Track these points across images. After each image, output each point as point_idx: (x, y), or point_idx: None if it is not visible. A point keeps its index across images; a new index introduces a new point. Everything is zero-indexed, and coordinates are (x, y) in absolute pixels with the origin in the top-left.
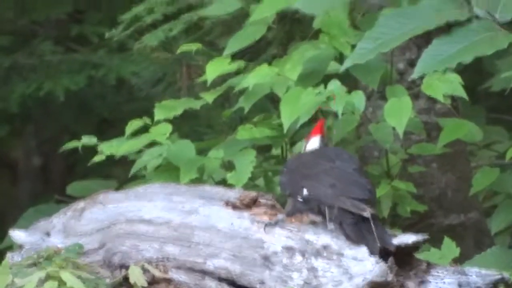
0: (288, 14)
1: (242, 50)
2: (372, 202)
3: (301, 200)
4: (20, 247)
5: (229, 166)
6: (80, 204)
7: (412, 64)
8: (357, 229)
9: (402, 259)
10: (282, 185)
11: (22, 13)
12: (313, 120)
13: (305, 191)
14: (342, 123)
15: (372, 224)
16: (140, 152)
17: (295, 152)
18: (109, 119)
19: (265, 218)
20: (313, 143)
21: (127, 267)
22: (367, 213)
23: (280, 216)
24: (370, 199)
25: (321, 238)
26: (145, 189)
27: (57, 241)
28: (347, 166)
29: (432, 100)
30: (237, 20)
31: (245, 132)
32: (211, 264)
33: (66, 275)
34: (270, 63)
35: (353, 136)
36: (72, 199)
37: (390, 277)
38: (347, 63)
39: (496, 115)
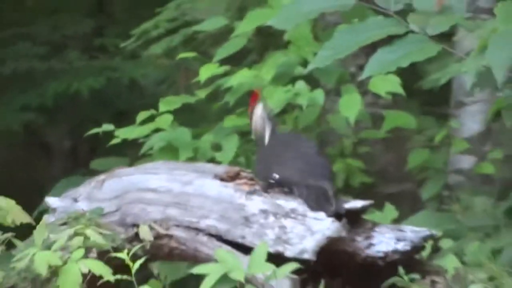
0: (264, 29)
1: (228, 57)
2: (330, 178)
3: (272, 182)
4: (54, 210)
5: (217, 147)
6: (101, 177)
7: (361, 68)
8: (318, 202)
9: (353, 220)
10: (257, 174)
11: (55, 29)
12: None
13: (276, 175)
14: (306, 114)
15: (330, 196)
16: (147, 136)
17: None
18: (123, 111)
19: (246, 188)
20: (258, 112)
21: (137, 226)
22: (329, 189)
23: (257, 187)
24: (329, 176)
25: (289, 203)
26: (152, 165)
27: (82, 205)
28: (308, 150)
29: (377, 96)
30: (223, 34)
31: (230, 121)
32: (203, 223)
33: (89, 232)
34: (250, 67)
35: (315, 124)
36: (95, 173)
37: (343, 233)
38: (310, 67)
39: (427, 108)
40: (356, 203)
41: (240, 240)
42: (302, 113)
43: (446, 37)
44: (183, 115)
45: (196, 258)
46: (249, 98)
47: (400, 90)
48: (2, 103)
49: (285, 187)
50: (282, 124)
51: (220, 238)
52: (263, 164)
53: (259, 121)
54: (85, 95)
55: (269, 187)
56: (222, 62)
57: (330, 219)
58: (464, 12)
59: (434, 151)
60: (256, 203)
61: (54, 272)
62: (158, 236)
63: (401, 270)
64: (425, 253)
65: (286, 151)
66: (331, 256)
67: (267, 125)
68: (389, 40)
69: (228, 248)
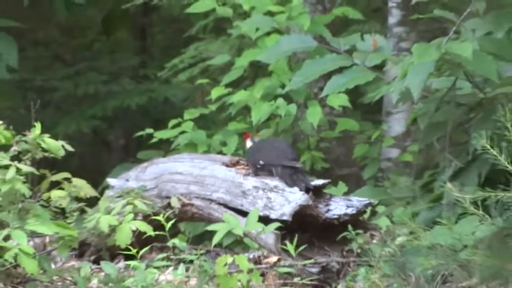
0: (255, 62)
1: (231, 82)
2: (298, 160)
3: (259, 167)
4: (112, 187)
5: (224, 144)
6: (144, 164)
7: (321, 89)
8: (291, 178)
9: (316, 193)
10: (248, 162)
11: (113, 63)
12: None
13: (261, 161)
14: (284, 120)
15: (301, 172)
16: (176, 136)
17: (260, 136)
18: (159, 119)
19: (243, 171)
20: (249, 142)
21: (169, 198)
22: (298, 165)
23: (251, 171)
24: (297, 159)
25: (273, 182)
26: (179, 156)
27: (132, 184)
28: (280, 145)
29: (332, 108)
30: (228, 66)
31: (232, 126)
32: (214, 196)
33: (137, 202)
34: (245, 89)
35: (290, 127)
36: (140, 161)
37: (310, 202)
38: (287, 88)
39: (366, 116)
40: (318, 181)
41: (239, 207)
42: (281, 120)
43: (379, 67)
44: (200, 122)
45: (210, 220)
46: (243, 135)
47: (348, 104)
48: (76, 114)
49: (267, 169)
50: (267, 127)
51: (226, 206)
52: (251, 156)
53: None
54: (134, 108)
55: (257, 170)
56: (227, 85)
57: (301, 192)
58: (391, 51)
59: (371, 145)
60: (250, 182)
61: (113, 229)
62: (183, 205)
63: (350, 227)
64: (366, 216)
65: (265, 147)
66: (302, 218)
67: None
68: (340, 70)
69: (232, 213)
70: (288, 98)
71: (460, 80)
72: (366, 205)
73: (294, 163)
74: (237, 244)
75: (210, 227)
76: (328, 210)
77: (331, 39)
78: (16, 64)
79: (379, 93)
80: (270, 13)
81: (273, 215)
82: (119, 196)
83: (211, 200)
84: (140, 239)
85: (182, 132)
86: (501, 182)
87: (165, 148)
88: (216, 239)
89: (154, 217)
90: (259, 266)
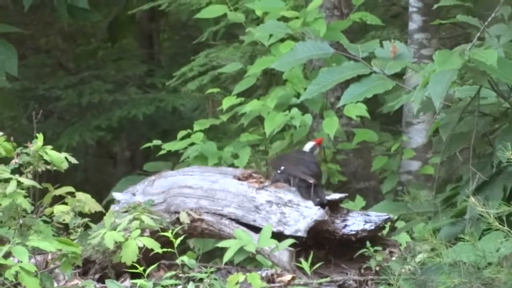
0: (268, 71)
1: (243, 91)
2: (317, 177)
3: (279, 172)
4: (118, 202)
5: (235, 156)
6: (152, 177)
7: (338, 98)
8: (307, 191)
9: (333, 207)
10: (271, 164)
11: (119, 71)
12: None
13: (282, 167)
14: (299, 131)
15: (312, 189)
16: (185, 148)
17: (274, 148)
18: (167, 130)
19: (256, 185)
20: (309, 144)
21: (178, 213)
22: (311, 181)
23: (266, 184)
24: (316, 175)
25: (287, 195)
26: (188, 168)
27: (139, 198)
28: (308, 159)
29: (349, 118)
30: (239, 75)
31: (244, 137)
32: (226, 210)
33: (144, 217)
34: (258, 99)
35: (305, 138)
36: (147, 173)
37: (326, 217)
38: (302, 98)
39: (385, 127)
40: (335, 195)
41: (252, 223)
42: (296, 131)
43: (399, 76)
44: (211, 133)
45: (221, 236)
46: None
47: (366, 114)
48: (80, 124)
49: (285, 177)
50: (281, 139)
51: (237, 221)
52: (276, 159)
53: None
54: (140, 119)
55: (275, 179)
56: (239, 95)
57: (317, 207)
58: (411, 58)
59: (390, 157)
60: (264, 196)
61: (119, 246)
62: (193, 220)
63: (368, 243)
64: (385, 231)
65: (293, 156)
66: (317, 234)
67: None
68: (358, 78)
69: (244, 228)
70: (303, 108)
71: (484, 89)
72: (385, 221)
73: (309, 178)
74: (249, 261)
75: (221, 244)
76: (345, 226)
77: (348, 46)
78: (16, 72)
79: (399, 103)
80: (284, 19)
81: (287, 231)
82: (125, 211)
83: (222, 215)
84: (147, 256)
85: (192, 144)
86: None
87: (174, 160)
88: (227, 256)
89: (162, 233)
90: (272, 284)
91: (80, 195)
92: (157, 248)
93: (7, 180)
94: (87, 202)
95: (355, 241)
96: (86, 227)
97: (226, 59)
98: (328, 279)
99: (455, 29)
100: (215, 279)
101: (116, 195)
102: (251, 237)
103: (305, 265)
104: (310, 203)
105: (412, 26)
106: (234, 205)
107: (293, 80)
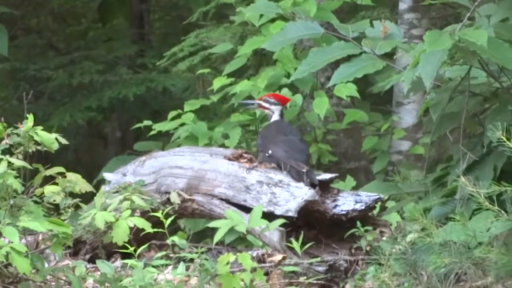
0: (259, 51)
1: (233, 71)
2: (307, 160)
3: (267, 155)
4: (109, 182)
5: (226, 136)
6: (143, 158)
7: (328, 78)
8: (298, 174)
9: (323, 188)
10: (258, 145)
11: (109, 52)
12: None
13: (270, 151)
14: (289, 111)
15: (305, 175)
16: (176, 129)
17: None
18: (158, 111)
19: (247, 165)
20: (278, 109)
21: (169, 193)
22: (304, 170)
23: (255, 164)
24: (307, 159)
25: (278, 176)
26: (179, 149)
27: (129, 179)
28: (294, 138)
29: (340, 98)
30: (230, 55)
31: (235, 117)
32: (216, 191)
33: (134, 197)
34: (248, 79)
35: (295, 119)
36: (137, 153)
37: (316, 197)
38: (292, 78)
39: (375, 107)
40: (325, 176)
41: (243, 203)
42: (286, 111)
43: (389, 56)
44: (201, 113)
45: (211, 216)
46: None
47: (356, 94)
48: (71, 105)
49: (274, 161)
50: None
51: (228, 201)
52: (263, 140)
53: (275, 110)
54: (131, 99)
55: (264, 159)
56: (229, 75)
57: (307, 187)
58: (402, 38)
59: (381, 137)
60: (254, 176)
61: (109, 226)
62: (184, 200)
63: (358, 223)
64: (375, 211)
65: (279, 135)
66: (308, 214)
67: (276, 116)
68: (348, 58)
69: (234, 208)
70: (293, 88)
71: (475, 69)
72: (376, 200)
73: (301, 167)
74: (240, 241)
75: (212, 224)
76: (336, 206)
77: (338, 26)
78: (6, 52)
79: (389, 83)
80: None
81: (278, 211)
82: (116, 192)
83: (212, 196)
84: (138, 237)
85: (182, 124)
86: None
87: (164, 140)
88: (218, 237)
89: (152, 214)
90: (263, 264)
91: (70, 175)
92: (147, 228)
93: None
94: (77, 182)
95: (345, 221)
96: (77, 207)
97: (217, 40)
98: (318, 259)
99: (445, 9)
100: (205, 259)
101: (106, 175)
102: (242, 217)
103: (296, 245)
104: (300, 183)
105: (402, 6)
106: (225, 185)
107: (284, 60)
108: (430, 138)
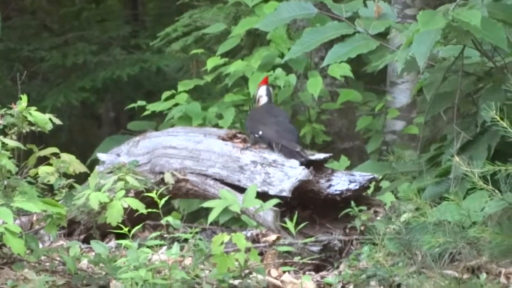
0: (252, 31)
1: (227, 52)
2: (298, 140)
3: (257, 136)
4: (103, 163)
5: (220, 116)
6: (137, 138)
7: (322, 58)
8: (290, 154)
9: (317, 168)
10: (246, 128)
11: (103, 32)
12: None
13: (260, 132)
14: (283, 92)
15: (298, 154)
16: (170, 109)
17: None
18: (152, 91)
19: (241, 145)
20: (262, 90)
21: (163, 173)
22: (298, 149)
23: (249, 144)
24: (297, 139)
25: (272, 155)
26: (173, 129)
27: (124, 159)
28: (284, 120)
29: (334, 78)
30: (223, 35)
31: (229, 97)
32: (210, 171)
33: (128, 178)
34: (242, 59)
35: (289, 99)
36: (131, 133)
37: (310, 177)
38: (286, 58)
39: (369, 86)
40: (319, 155)
41: (237, 183)
42: (280, 91)
43: (383, 35)
44: (195, 93)
45: (206, 196)
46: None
47: (350, 74)
48: (65, 86)
49: (266, 141)
50: None
51: (222, 181)
52: (252, 122)
53: (260, 93)
54: (125, 80)
55: (256, 141)
56: (223, 55)
57: (301, 167)
58: (395, 18)
59: (375, 117)
60: (248, 156)
61: (103, 207)
62: (178, 181)
63: (352, 203)
64: (369, 191)
65: (268, 117)
66: (302, 194)
67: (264, 98)
68: (342, 38)
69: (228, 189)
70: (287, 68)
71: (468, 49)
72: (370, 180)
73: (294, 146)
74: (234, 221)
75: (206, 204)
76: (330, 186)
77: (332, 6)
78: None
79: (383, 63)
80: None
81: (272, 191)
82: (110, 172)
83: (206, 176)
84: (132, 217)
85: (176, 105)
86: None
87: (158, 121)
88: (212, 217)
89: (146, 194)
90: (257, 244)
91: (64, 156)
92: (142, 208)
93: None
94: (71, 163)
95: (339, 201)
96: (71, 188)
97: (210, 20)
98: (313, 239)
99: None
100: (200, 239)
101: (100, 155)
102: (236, 197)
103: (290, 225)
104: (294, 163)
105: None
106: (219, 166)
107: (277, 41)
108: (424, 117)
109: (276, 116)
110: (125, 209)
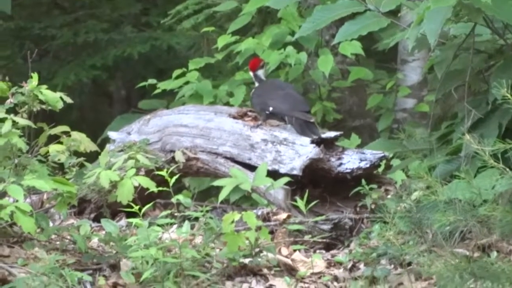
0: (263, 9)
1: (238, 29)
2: (309, 111)
3: (268, 113)
4: (114, 141)
5: (230, 94)
6: (147, 116)
7: (333, 36)
8: (303, 128)
9: (328, 146)
10: (254, 105)
11: (114, 10)
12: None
13: (271, 108)
14: (294, 70)
15: (313, 124)
16: (180, 87)
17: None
18: (163, 69)
19: (252, 123)
20: (260, 73)
21: (174, 151)
22: (312, 119)
23: (260, 122)
24: (309, 110)
25: (283, 134)
26: (183, 107)
27: (134, 137)
28: (292, 92)
29: (344, 56)
30: (234, 13)
31: (239, 75)
32: (221, 149)
33: (139, 156)
34: (253, 37)
35: (300, 77)
36: (142, 111)
37: (321, 155)
38: (296, 36)
39: (380, 64)
40: (330, 134)
41: (247, 161)
42: (291, 69)
43: (394, 13)
44: (206, 71)
45: (216, 175)
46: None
47: (361, 51)
48: (75, 64)
49: (278, 117)
50: (277, 77)
51: (233, 160)
52: (259, 99)
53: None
54: (136, 58)
55: (267, 117)
56: (234, 33)
57: (312, 145)
58: None
59: (386, 95)
60: (259, 134)
61: (114, 185)
62: (188, 159)
63: (363, 181)
64: (380, 169)
65: (276, 91)
66: (313, 172)
67: (261, 76)
68: (353, 16)
69: (239, 167)
70: (298, 46)
71: (479, 26)
72: (381, 158)
73: (308, 117)
74: (244, 200)
75: (217, 183)
76: (341, 164)
77: None
78: (9, 10)
79: (394, 40)
80: None
81: (282, 170)
82: (121, 150)
83: (217, 154)
84: (142, 196)
85: (187, 83)
86: None
87: (169, 99)
88: (222, 195)
89: (157, 172)
90: (268, 223)
91: (75, 134)
92: (152, 187)
93: (2, 120)
94: (82, 141)
95: (350, 179)
96: (81, 166)
97: None
98: (323, 217)
99: None
100: (210, 217)
101: (111, 134)
102: (246, 175)
103: (301, 203)
104: (305, 141)
105: None
106: (230, 144)
107: (288, 18)
108: (435, 95)
109: (283, 88)
110: (135, 187)
